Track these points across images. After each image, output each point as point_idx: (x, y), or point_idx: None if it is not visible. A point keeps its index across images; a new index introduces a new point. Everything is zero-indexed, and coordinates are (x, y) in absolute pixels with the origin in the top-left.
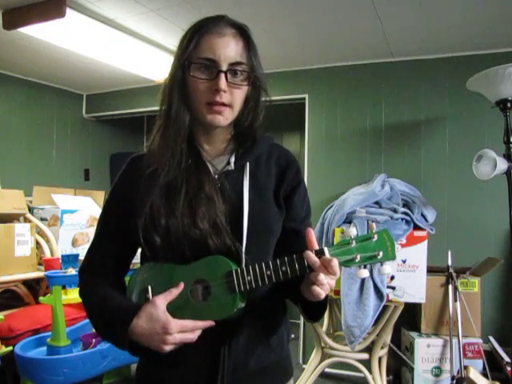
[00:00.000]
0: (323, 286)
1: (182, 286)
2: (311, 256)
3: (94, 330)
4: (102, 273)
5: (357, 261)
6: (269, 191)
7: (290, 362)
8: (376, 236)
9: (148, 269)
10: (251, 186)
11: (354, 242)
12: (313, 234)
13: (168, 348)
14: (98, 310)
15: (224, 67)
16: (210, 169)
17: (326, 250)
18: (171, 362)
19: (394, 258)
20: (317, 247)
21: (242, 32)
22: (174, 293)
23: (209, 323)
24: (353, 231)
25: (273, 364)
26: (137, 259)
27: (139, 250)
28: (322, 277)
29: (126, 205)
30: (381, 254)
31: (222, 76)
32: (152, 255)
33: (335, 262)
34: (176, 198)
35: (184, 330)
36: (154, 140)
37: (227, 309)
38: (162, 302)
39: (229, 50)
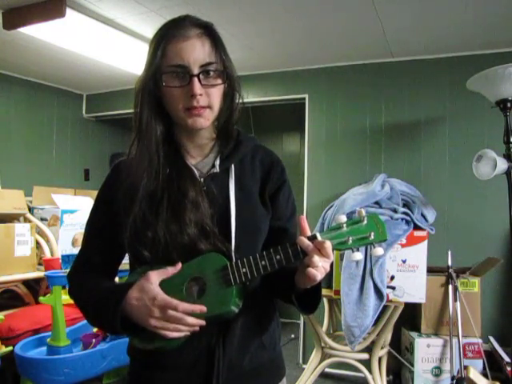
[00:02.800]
0: (318, 268)
1: (179, 265)
2: (304, 240)
3: (94, 330)
4: (92, 274)
5: (349, 243)
6: (254, 191)
7: (282, 361)
8: (365, 219)
9: (141, 272)
10: (237, 187)
11: (344, 225)
12: (305, 221)
13: (153, 322)
14: (91, 294)
15: (195, 71)
16: (196, 172)
17: (318, 234)
18: (165, 364)
19: (385, 238)
20: (309, 233)
21: (207, 31)
22: (170, 271)
23: (198, 307)
24: (343, 218)
25: (266, 363)
26: (126, 260)
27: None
28: (316, 258)
29: (112, 211)
30: (372, 235)
31: (195, 80)
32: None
33: (328, 244)
34: (159, 208)
35: (170, 308)
36: (131, 150)
37: (224, 303)
38: (155, 276)
39: (196, 52)
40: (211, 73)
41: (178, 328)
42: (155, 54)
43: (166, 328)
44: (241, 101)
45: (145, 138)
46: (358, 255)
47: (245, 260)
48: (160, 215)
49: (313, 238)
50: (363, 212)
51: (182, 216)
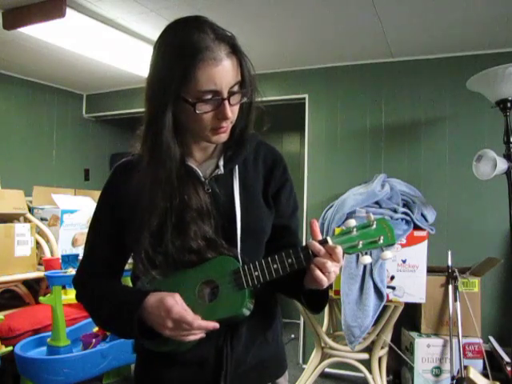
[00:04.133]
0: (329, 274)
1: (213, 324)
2: (316, 245)
3: (94, 330)
4: (99, 278)
5: (359, 247)
6: (258, 192)
7: (284, 355)
8: (375, 223)
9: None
10: (241, 188)
11: (354, 230)
12: (316, 225)
13: (167, 332)
14: (103, 298)
15: (225, 94)
16: (200, 174)
17: (329, 238)
18: (173, 361)
19: (394, 242)
20: (320, 237)
21: (234, 48)
22: (191, 317)
23: (212, 325)
24: (352, 222)
25: (270, 357)
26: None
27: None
28: (329, 264)
29: (116, 216)
30: (381, 239)
31: (227, 104)
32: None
33: (339, 249)
34: (164, 229)
35: (185, 323)
36: (141, 173)
37: (236, 306)
38: (179, 299)
39: (229, 75)
40: (237, 92)
41: (192, 333)
42: (184, 79)
43: (180, 336)
44: (258, 99)
45: (165, 162)
46: (368, 259)
47: (257, 263)
48: (166, 235)
49: (324, 242)
50: (372, 216)
51: (187, 231)
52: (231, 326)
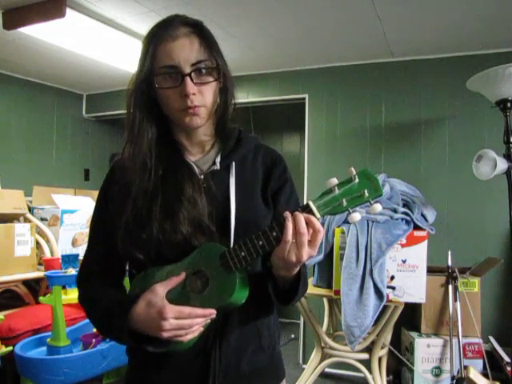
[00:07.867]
0: (300, 237)
1: (183, 274)
2: (288, 213)
3: (94, 330)
4: (99, 278)
5: (344, 205)
6: (255, 190)
7: (282, 363)
8: (357, 177)
9: (143, 278)
10: (237, 185)
11: (336, 188)
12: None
13: (166, 334)
14: (98, 306)
15: (187, 70)
16: (196, 169)
17: (310, 202)
18: (161, 365)
19: (380, 193)
20: None
21: (196, 29)
22: (175, 280)
23: (208, 311)
24: (334, 180)
25: (265, 365)
26: None
27: None
28: (288, 231)
29: (109, 214)
30: (366, 192)
31: (187, 80)
32: (139, 270)
33: (299, 216)
34: (153, 207)
35: (180, 317)
36: (125, 152)
37: (229, 291)
38: (161, 288)
39: (186, 51)
40: (203, 70)
41: (191, 331)
42: (145, 56)
43: (179, 335)
44: (237, 100)
45: (137, 140)
46: (357, 216)
47: (242, 243)
48: (153, 214)
49: (305, 208)
50: (353, 170)
51: (176, 214)
52: (220, 328)
